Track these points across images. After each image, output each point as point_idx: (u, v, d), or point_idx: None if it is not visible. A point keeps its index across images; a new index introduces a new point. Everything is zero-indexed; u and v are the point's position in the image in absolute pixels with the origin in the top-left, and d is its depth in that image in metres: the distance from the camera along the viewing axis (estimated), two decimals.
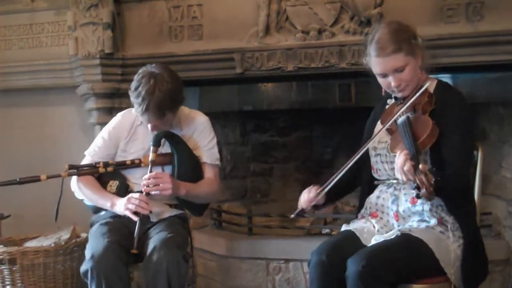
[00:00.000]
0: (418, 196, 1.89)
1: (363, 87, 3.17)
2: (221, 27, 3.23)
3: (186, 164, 2.61)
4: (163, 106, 2.46)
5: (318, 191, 2.23)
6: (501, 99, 3.03)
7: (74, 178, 2.62)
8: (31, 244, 3.14)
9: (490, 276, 2.26)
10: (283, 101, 3.37)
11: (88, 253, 2.37)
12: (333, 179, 2.19)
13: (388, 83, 2.17)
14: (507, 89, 2.94)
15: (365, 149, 2.19)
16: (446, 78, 2.98)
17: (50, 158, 3.54)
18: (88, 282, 2.33)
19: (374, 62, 2.15)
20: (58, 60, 3.59)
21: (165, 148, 2.63)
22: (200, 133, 2.68)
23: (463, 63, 2.90)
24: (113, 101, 3.42)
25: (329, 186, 2.20)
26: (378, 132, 2.19)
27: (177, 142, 2.61)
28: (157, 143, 2.56)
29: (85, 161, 2.68)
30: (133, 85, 2.50)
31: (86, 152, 2.70)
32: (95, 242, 2.41)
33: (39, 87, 3.68)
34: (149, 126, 2.58)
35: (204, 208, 2.79)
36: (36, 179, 2.55)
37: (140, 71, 2.52)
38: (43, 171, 2.59)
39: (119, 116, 2.75)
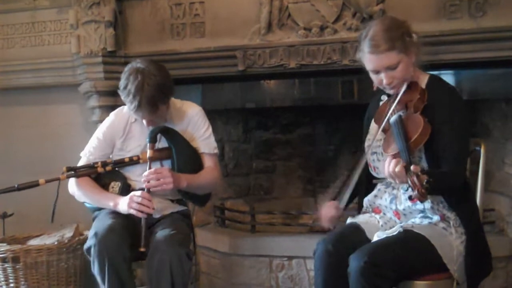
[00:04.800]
0: (410, 198, 1.89)
1: (365, 84, 3.12)
2: (223, 25, 3.23)
3: (185, 156, 2.59)
4: (155, 99, 2.44)
5: (337, 208, 2.25)
6: (504, 96, 3.02)
7: (72, 180, 2.59)
8: (34, 242, 3.16)
9: (493, 273, 2.25)
10: (286, 98, 3.36)
11: (91, 231, 2.38)
12: (345, 190, 2.22)
13: (380, 79, 2.16)
14: (510, 85, 2.93)
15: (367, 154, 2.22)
16: (449, 74, 3.00)
17: (52, 157, 3.54)
18: (91, 259, 2.34)
19: (367, 59, 2.14)
20: (61, 58, 3.59)
21: (162, 143, 2.62)
22: (195, 125, 2.67)
23: (466, 59, 2.90)
24: (116, 99, 3.39)
25: (345, 198, 2.23)
26: (376, 135, 2.19)
27: (173, 135, 2.60)
28: (153, 139, 2.55)
29: (81, 163, 2.64)
30: (122, 83, 2.48)
31: (81, 154, 2.68)
32: (99, 223, 2.42)
33: (42, 86, 3.67)
34: (144, 122, 2.57)
35: (207, 198, 2.77)
36: (35, 184, 2.49)
37: (126, 68, 2.50)
38: (45, 169, 2.58)
39: (112, 115, 2.72)
